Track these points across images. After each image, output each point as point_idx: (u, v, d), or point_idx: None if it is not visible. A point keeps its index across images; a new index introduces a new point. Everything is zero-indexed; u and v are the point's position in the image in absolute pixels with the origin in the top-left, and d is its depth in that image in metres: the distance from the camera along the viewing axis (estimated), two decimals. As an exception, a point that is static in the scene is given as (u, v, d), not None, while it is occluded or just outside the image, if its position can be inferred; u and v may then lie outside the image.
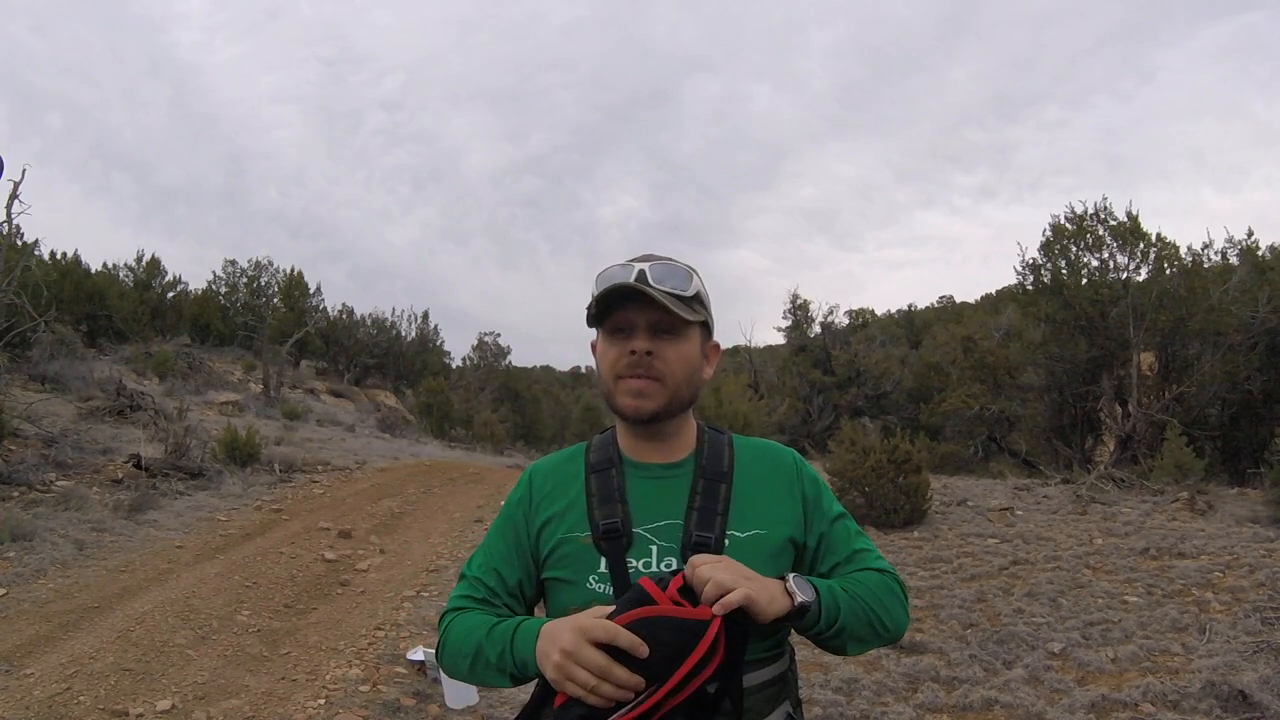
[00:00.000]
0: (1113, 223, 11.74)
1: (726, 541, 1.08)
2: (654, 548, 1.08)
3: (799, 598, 0.99)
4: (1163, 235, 11.59)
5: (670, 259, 1.13)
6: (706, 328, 1.17)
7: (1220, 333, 10.82)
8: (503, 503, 1.24)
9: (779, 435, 16.68)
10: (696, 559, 0.97)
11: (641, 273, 1.09)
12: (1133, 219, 11.62)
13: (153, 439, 8.79)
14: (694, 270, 1.14)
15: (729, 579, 0.93)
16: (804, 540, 1.14)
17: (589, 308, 1.12)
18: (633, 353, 1.09)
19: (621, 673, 0.89)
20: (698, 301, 1.12)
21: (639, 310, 1.09)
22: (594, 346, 1.18)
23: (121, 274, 22.22)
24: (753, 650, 1.05)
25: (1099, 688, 3.54)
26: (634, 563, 1.08)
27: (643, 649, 0.89)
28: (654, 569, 1.07)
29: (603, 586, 1.07)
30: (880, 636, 1.09)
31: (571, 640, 0.91)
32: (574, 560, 1.10)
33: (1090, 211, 11.99)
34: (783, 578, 1.02)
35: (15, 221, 8.83)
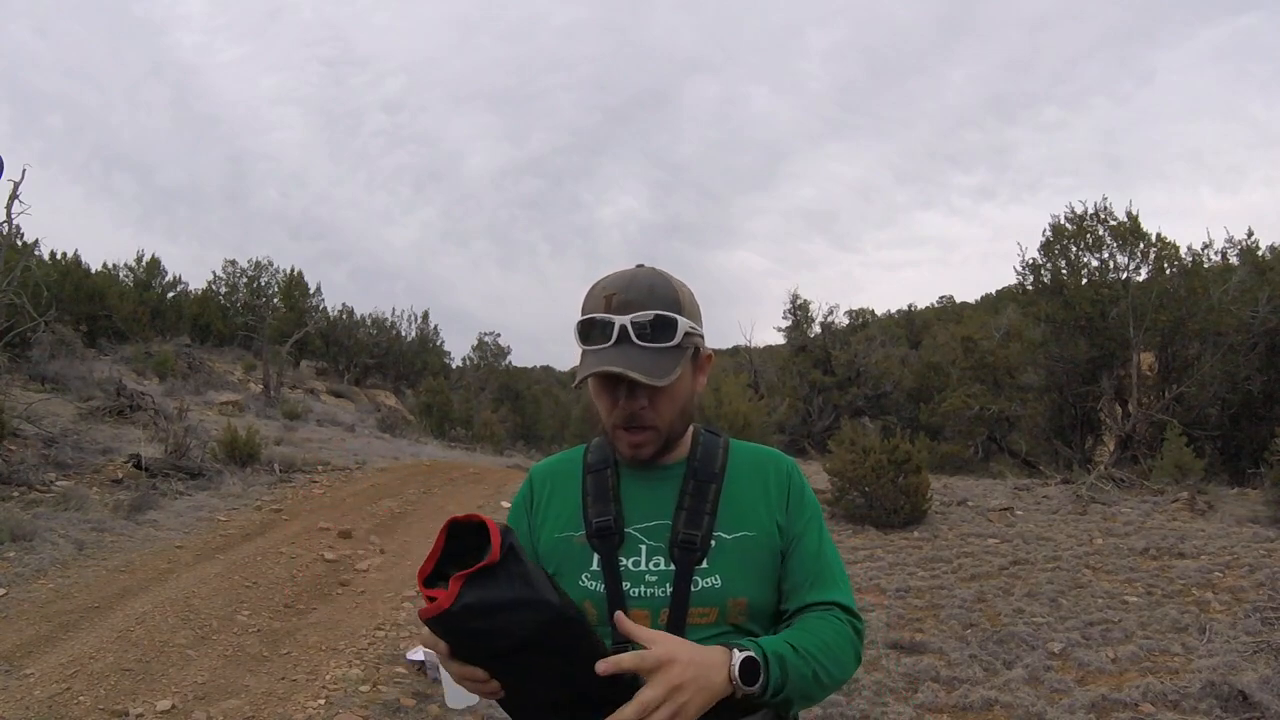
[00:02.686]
0: (1113, 223, 11.75)
1: (713, 542, 1.09)
2: (643, 547, 1.10)
3: (740, 691, 0.94)
4: (1162, 235, 11.62)
5: (652, 293, 1.08)
6: (696, 349, 1.14)
7: (1220, 333, 10.82)
8: (506, 504, 1.26)
9: (779, 435, 16.67)
10: (648, 654, 0.91)
11: (624, 331, 1.06)
12: (1132, 219, 11.63)
13: (153, 439, 8.79)
14: (679, 304, 1.10)
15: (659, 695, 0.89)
16: (773, 550, 1.13)
17: (579, 345, 1.11)
18: (625, 409, 1.09)
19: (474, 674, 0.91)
20: (685, 339, 1.09)
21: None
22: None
23: (121, 274, 22.25)
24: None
25: (1099, 688, 3.54)
26: (624, 561, 1.09)
27: (492, 688, 0.90)
28: (643, 567, 1.09)
29: (595, 584, 1.09)
30: (825, 690, 1.05)
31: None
32: (568, 558, 1.12)
33: (1090, 212, 12.01)
34: (730, 649, 0.96)
35: (15, 221, 8.83)
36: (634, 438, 1.11)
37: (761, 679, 0.96)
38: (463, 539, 0.87)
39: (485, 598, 0.81)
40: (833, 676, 1.04)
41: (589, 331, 1.08)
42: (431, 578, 0.86)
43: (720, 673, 0.94)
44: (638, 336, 1.06)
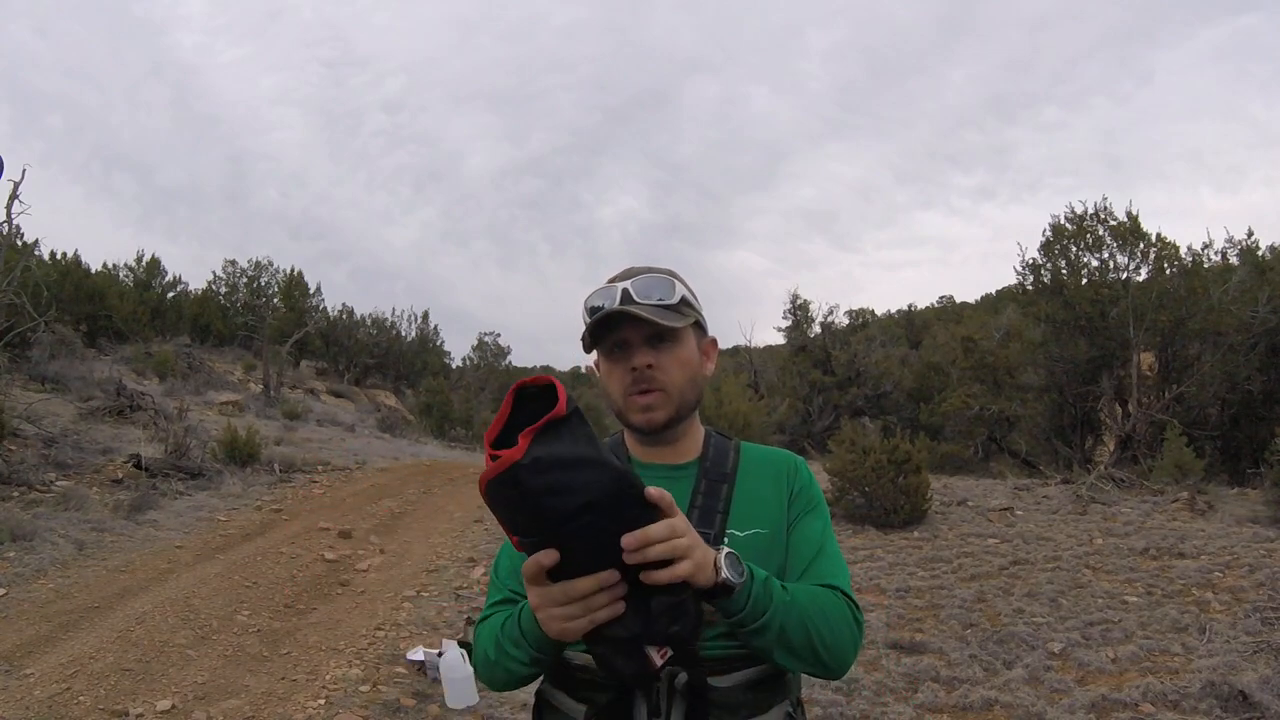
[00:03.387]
0: (1113, 223, 11.75)
1: (726, 539, 1.11)
2: None
3: (723, 574, 0.93)
4: (1162, 235, 11.62)
5: (651, 269, 1.17)
6: (700, 327, 1.20)
7: (1220, 333, 10.82)
8: None
9: (779, 435, 16.67)
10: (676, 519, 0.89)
11: (625, 292, 1.12)
12: (1132, 219, 11.63)
13: (153, 439, 8.79)
14: (675, 275, 1.17)
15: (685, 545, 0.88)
16: (785, 547, 1.15)
17: (584, 336, 1.15)
18: (634, 369, 1.12)
19: (583, 584, 0.84)
20: (685, 305, 1.15)
21: (631, 327, 1.12)
22: (596, 366, 1.21)
23: (121, 274, 22.25)
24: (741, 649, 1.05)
25: (1099, 688, 3.54)
26: None
27: (552, 555, 0.83)
28: None
29: None
30: (818, 656, 1.02)
31: (532, 595, 0.88)
32: None
33: (1090, 212, 12.01)
34: (717, 549, 0.95)
35: (15, 221, 8.84)
36: (644, 399, 1.13)
37: (745, 577, 0.95)
38: (530, 406, 0.85)
39: (554, 452, 0.79)
40: (824, 639, 1.01)
41: (594, 307, 1.13)
42: (498, 443, 0.84)
43: (709, 553, 0.93)
44: (639, 295, 1.12)
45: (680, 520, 0.89)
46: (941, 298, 38.53)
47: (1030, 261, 12.47)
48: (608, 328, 1.12)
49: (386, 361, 26.00)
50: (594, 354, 1.20)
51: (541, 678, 1.16)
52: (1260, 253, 12.63)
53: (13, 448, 7.27)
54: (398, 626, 4.51)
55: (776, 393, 19.04)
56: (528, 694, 1.10)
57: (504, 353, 28.29)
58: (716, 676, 1.04)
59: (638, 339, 1.12)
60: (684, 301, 1.15)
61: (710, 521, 1.12)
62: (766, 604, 0.97)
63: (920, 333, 27.42)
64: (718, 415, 13.23)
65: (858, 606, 1.10)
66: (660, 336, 1.13)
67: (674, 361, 1.13)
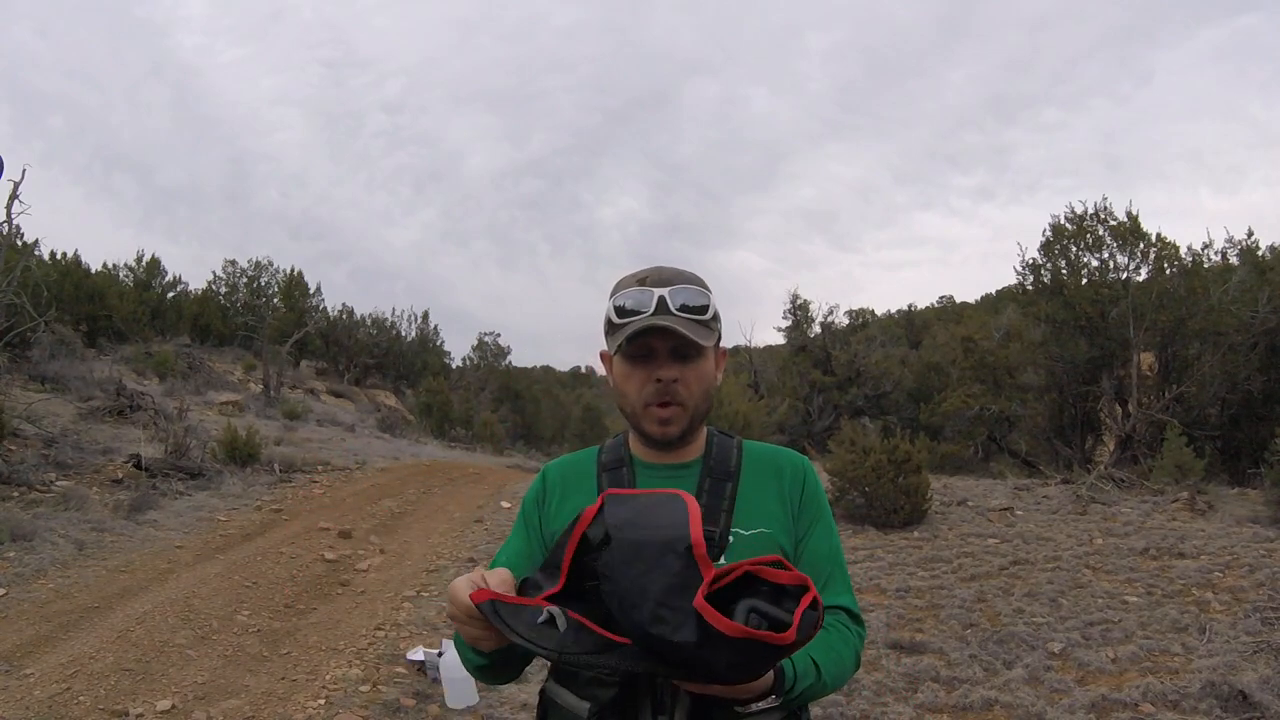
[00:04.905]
0: (1112, 223, 11.74)
1: (730, 538, 1.11)
2: None
3: (771, 699, 0.99)
4: (1162, 235, 11.61)
5: (682, 275, 1.14)
6: (719, 336, 1.20)
7: (1220, 333, 10.82)
8: (506, 504, 1.26)
9: (779, 435, 16.65)
10: None
11: (662, 300, 1.10)
12: (1132, 219, 11.63)
13: (153, 439, 8.79)
14: (705, 285, 1.16)
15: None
16: (790, 547, 1.15)
17: (608, 331, 1.14)
18: (658, 380, 1.11)
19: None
20: (714, 320, 1.15)
21: (660, 337, 1.11)
22: (604, 356, 1.20)
23: (121, 274, 22.24)
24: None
25: (1099, 688, 3.54)
26: None
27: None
28: None
29: None
30: (826, 692, 1.10)
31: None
32: None
33: (1090, 212, 12.01)
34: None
35: (15, 222, 8.82)
36: (664, 413, 1.13)
37: (790, 685, 1.01)
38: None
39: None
40: (836, 681, 1.09)
41: (623, 309, 1.11)
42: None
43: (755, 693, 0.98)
44: (675, 307, 1.09)
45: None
46: (941, 298, 38.58)
47: (1030, 261, 12.47)
48: (638, 331, 1.10)
49: (386, 361, 25.99)
50: (605, 347, 1.18)
51: (546, 675, 1.17)
52: (1260, 253, 12.63)
53: (13, 448, 7.27)
54: (398, 626, 4.51)
55: (776, 393, 19.02)
56: (528, 694, 1.11)
57: (504, 353, 28.29)
58: None
59: (664, 349, 1.11)
60: (714, 316, 1.15)
61: (715, 520, 1.11)
62: (798, 691, 1.02)
63: (920, 333, 27.41)
64: (718, 415, 13.23)
65: (861, 622, 1.15)
66: (686, 351, 1.12)
67: (696, 377, 1.13)
